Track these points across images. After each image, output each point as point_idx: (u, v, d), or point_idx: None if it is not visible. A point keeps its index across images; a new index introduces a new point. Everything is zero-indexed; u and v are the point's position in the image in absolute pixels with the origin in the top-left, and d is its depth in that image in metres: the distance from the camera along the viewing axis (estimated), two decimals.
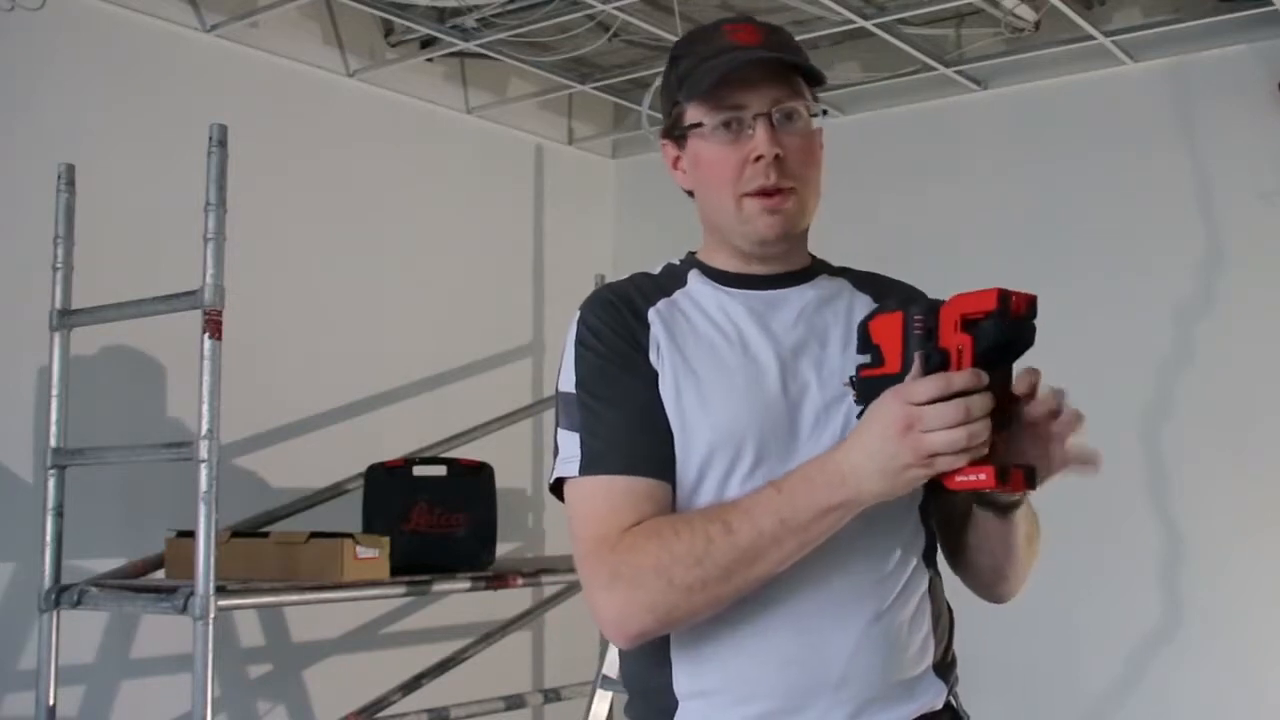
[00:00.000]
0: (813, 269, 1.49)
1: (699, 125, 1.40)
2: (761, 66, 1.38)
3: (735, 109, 1.38)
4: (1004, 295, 1.20)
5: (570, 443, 1.37)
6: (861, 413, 1.26)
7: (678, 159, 1.47)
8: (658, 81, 3.88)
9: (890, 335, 1.26)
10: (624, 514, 1.32)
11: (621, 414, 1.36)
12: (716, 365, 1.38)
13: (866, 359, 1.29)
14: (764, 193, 1.39)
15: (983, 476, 1.20)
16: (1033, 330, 1.22)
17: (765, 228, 1.40)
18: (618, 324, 1.40)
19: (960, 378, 1.18)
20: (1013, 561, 1.43)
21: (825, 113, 1.43)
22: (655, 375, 1.38)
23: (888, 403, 1.21)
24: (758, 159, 1.37)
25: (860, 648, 1.34)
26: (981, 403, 1.18)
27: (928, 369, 1.20)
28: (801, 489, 1.25)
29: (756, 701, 1.34)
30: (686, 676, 1.37)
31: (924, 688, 1.39)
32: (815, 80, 1.42)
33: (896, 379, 1.23)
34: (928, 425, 1.17)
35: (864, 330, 1.30)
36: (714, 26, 1.44)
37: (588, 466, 1.35)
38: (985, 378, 1.19)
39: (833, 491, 1.24)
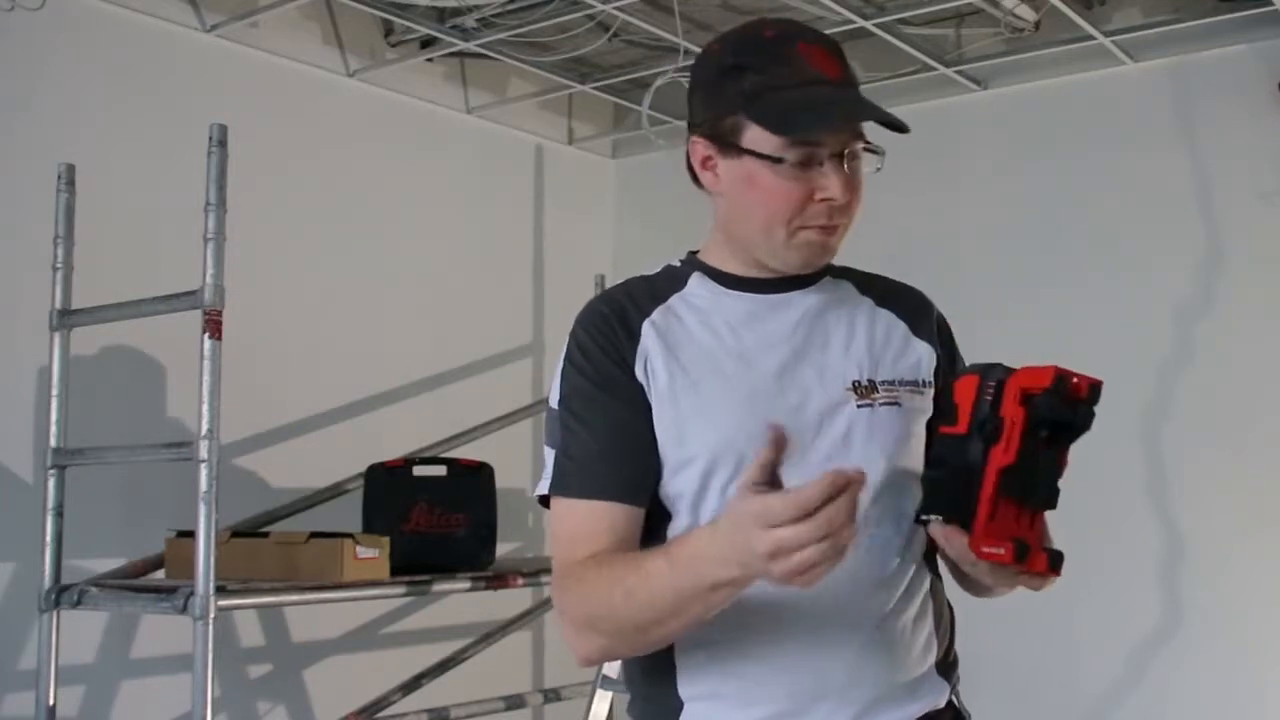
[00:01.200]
0: (817, 272, 1.47)
1: (777, 160, 1.33)
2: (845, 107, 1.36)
3: (813, 146, 1.34)
4: (1061, 375, 1.21)
5: (550, 459, 1.41)
6: (929, 462, 1.33)
7: (708, 159, 1.41)
8: (658, 81, 3.92)
9: (966, 397, 1.28)
10: (580, 544, 1.35)
11: (594, 436, 1.37)
12: (715, 373, 1.38)
13: (946, 419, 1.31)
14: (821, 228, 1.38)
15: (1001, 551, 1.22)
16: (1090, 416, 1.23)
17: (813, 255, 1.40)
18: (606, 341, 1.39)
19: (814, 495, 1.09)
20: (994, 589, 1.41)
21: (882, 154, 1.40)
22: (641, 391, 1.37)
23: (748, 526, 1.12)
24: (824, 199, 1.35)
25: (865, 650, 1.34)
26: (844, 508, 1.09)
27: (982, 435, 1.24)
28: (688, 567, 1.20)
29: (761, 705, 1.34)
30: (690, 680, 1.38)
31: (927, 687, 1.39)
32: (898, 131, 1.37)
33: (962, 439, 1.26)
34: (791, 547, 1.09)
35: (949, 390, 1.32)
36: (785, 41, 1.36)
37: (555, 486, 1.38)
38: (840, 482, 1.10)
39: (711, 573, 1.19)
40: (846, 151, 1.35)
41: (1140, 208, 3.57)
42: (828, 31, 3.40)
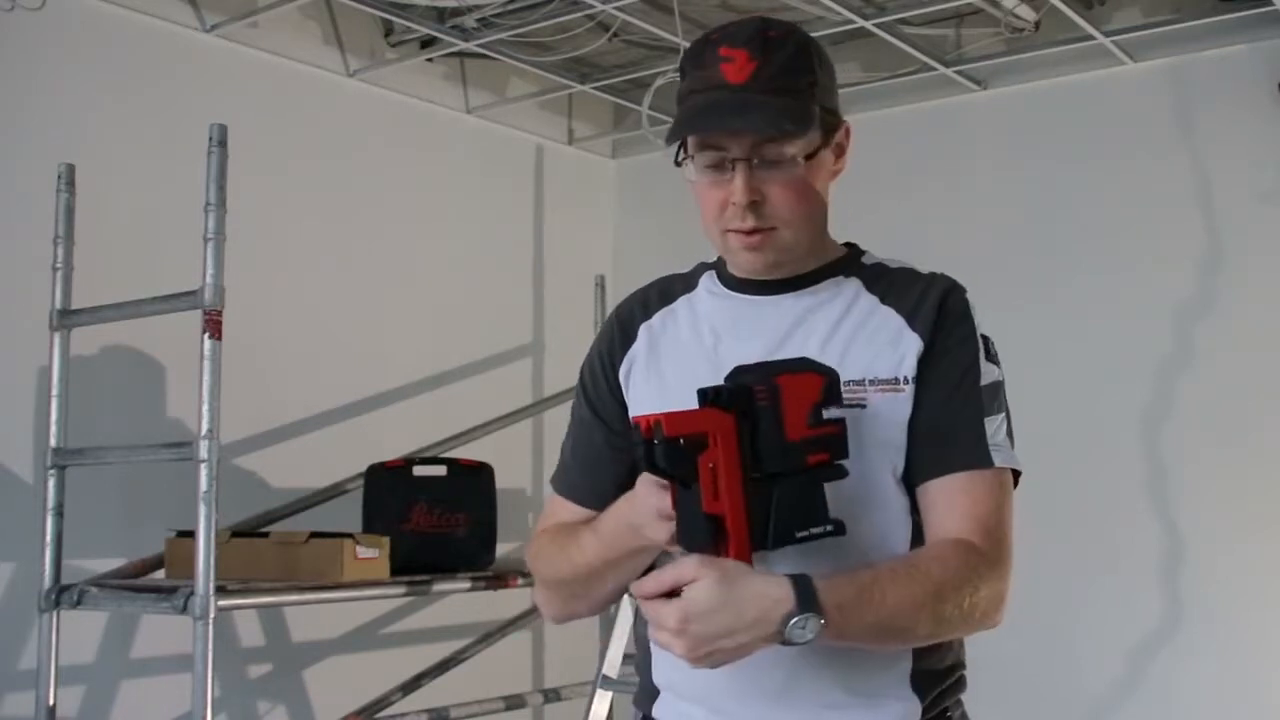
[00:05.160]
0: (822, 272, 1.45)
1: (684, 164, 1.40)
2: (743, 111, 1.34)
3: (717, 150, 1.36)
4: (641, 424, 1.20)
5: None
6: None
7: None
8: (658, 81, 3.92)
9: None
10: (548, 523, 1.53)
11: (576, 446, 1.54)
12: (684, 372, 1.41)
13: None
14: (742, 231, 1.38)
15: None
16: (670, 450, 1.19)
17: (745, 261, 1.42)
18: (606, 353, 1.51)
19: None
20: (885, 648, 1.36)
21: (818, 151, 1.38)
22: (622, 402, 1.48)
23: (639, 495, 1.30)
24: (734, 203, 1.36)
25: (804, 656, 1.30)
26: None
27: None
28: (604, 533, 1.37)
29: (708, 700, 1.38)
30: (659, 667, 1.46)
31: (889, 700, 1.35)
32: (797, 128, 1.34)
33: None
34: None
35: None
36: (715, 43, 1.37)
37: (552, 478, 1.57)
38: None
39: (622, 541, 1.34)
40: (754, 157, 1.34)
41: (1140, 208, 3.57)
42: (827, 31, 3.46)
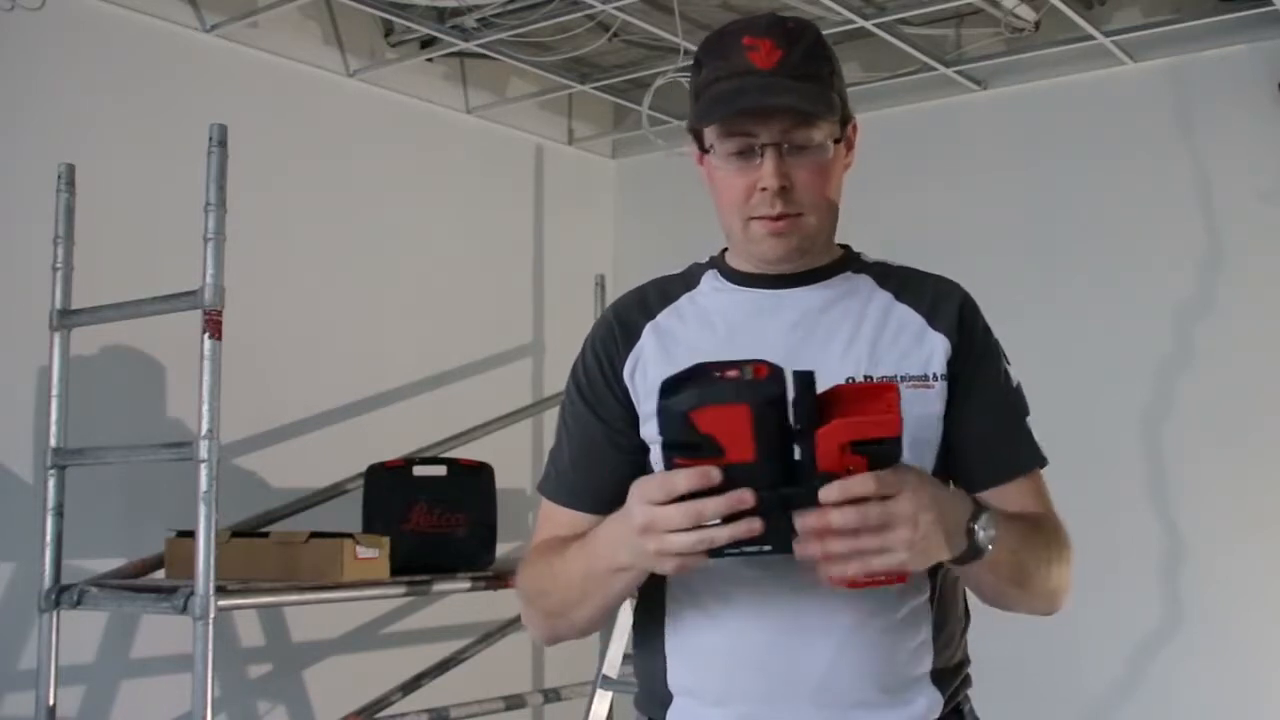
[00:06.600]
0: (832, 267, 1.46)
1: (710, 150, 1.40)
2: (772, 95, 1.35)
3: (746, 136, 1.36)
4: (895, 419, 1.15)
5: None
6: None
7: (701, 157, 1.46)
8: (658, 81, 3.92)
9: (732, 427, 1.13)
10: (543, 535, 1.48)
11: (573, 449, 1.48)
12: None
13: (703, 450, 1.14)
14: (769, 218, 1.38)
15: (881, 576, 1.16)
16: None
17: (769, 249, 1.40)
18: (604, 355, 1.47)
19: (685, 480, 1.13)
20: (1004, 596, 1.41)
21: (840, 140, 1.41)
22: (628, 400, 1.44)
23: (631, 502, 1.20)
24: (762, 188, 1.36)
25: (841, 654, 1.32)
26: (715, 506, 1.12)
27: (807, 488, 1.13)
28: (592, 548, 1.31)
29: (733, 704, 1.36)
30: (676, 672, 1.41)
31: (916, 695, 1.37)
32: (826, 112, 1.37)
33: (752, 468, 1.13)
34: (665, 527, 1.16)
35: (684, 420, 1.13)
36: (735, 34, 1.39)
37: (541, 485, 1.51)
38: (716, 476, 1.11)
39: (610, 557, 1.28)
40: (785, 142, 1.36)
41: (1140, 208, 3.57)
42: (827, 31, 3.44)
